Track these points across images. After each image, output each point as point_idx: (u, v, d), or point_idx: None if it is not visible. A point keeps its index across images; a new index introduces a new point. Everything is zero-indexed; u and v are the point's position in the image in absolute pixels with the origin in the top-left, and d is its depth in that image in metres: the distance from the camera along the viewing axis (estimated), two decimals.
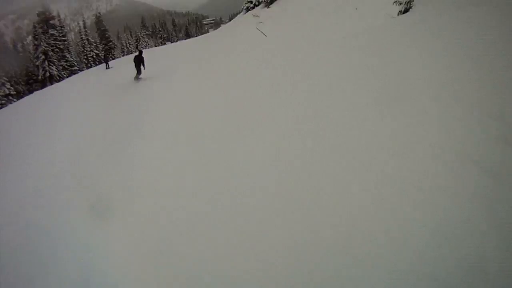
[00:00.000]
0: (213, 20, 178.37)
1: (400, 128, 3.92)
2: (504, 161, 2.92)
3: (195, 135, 6.45)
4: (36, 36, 39.89)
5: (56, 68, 40.03)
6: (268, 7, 25.90)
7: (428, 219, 2.74)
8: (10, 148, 9.82)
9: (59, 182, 6.50)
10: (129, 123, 8.67)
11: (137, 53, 15.23)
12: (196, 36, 62.30)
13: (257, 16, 23.91)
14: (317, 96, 5.71)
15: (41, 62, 38.61)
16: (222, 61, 13.81)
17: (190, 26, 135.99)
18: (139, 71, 14.81)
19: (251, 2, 30.10)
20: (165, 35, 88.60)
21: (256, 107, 6.51)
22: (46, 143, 9.33)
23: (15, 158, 8.81)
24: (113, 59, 41.80)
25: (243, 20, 28.10)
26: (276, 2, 26.34)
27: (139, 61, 14.69)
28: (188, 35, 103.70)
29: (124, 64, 22.40)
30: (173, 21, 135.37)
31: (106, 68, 24.81)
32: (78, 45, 50.56)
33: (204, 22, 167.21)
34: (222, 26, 40.94)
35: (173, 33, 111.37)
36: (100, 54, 48.78)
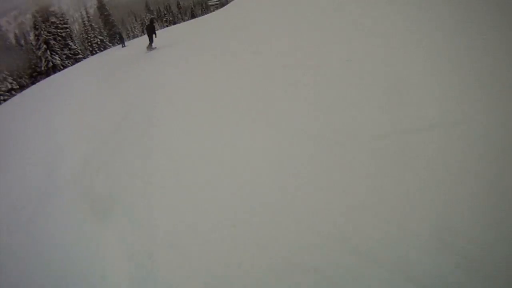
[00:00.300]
0: (219, 1, 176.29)
1: None
2: None
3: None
4: (37, 26, 37.68)
5: (60, 57, 37.93)
6: None
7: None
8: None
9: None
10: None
11: (148, 23, 16.03)
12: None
13: None
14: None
15: (43, 52, 36.45)
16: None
17: (196, 8, 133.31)
18: (151, 40, 15.48)
19: None
20: (170, 18, 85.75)
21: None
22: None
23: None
24: (118, 44, 40.22)
25: None
26: None
27: (151, 30, 15.42)
28: (194, 17, 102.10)
29: (136, 42, 25.49)
30: (178, 4, 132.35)
31: (122, 47, 27.45)
32: (82, 33, 48.34)
33: (210, 3, 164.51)
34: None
35: (179, 15, 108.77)
36: (104, 40, 46.47)
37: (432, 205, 2.81)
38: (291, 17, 11.13)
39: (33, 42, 38.55)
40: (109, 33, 48.97)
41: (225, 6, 35.67)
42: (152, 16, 15.30)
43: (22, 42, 43.59)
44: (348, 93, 5.01)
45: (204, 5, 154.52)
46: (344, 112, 4.54)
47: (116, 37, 36.97)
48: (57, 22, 40.33)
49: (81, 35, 47.91)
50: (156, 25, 15.01)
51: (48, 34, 37.86)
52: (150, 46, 15.54)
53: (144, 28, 15.54)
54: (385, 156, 3.52)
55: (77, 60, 39.15)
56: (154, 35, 15.41)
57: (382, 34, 6.56)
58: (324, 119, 4.57)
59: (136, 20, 69.00)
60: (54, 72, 34.74)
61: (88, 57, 40.30)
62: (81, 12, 48.77)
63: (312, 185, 3.49)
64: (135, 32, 60.85)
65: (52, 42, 37.56)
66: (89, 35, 45.40)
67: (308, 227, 2.98)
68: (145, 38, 18.53)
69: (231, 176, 4.10)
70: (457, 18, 5.84)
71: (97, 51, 43.65)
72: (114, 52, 25.01)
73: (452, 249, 2.40)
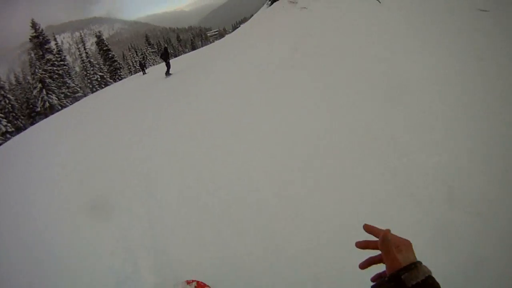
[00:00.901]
0: (217, 31, 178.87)
1: None
2: None
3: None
4: (32, 63, 35.34)
5: (57, 97, 35.24)
6: None
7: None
8: None
9: None
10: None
11: (162, 51, 17.45)
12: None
13: (294, 2, 18.59)
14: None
15: (39, 91, 33.82)
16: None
17: (195, 40, 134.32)
18: (168, 66, 16.79)
19: None
20: (171, 51, 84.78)
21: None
22: None
23: None
24: (120, 79, 40.16)
25: (272, 11, 22.87)
26: None
27: (166, 56, 16.98)
28: (194, 48, 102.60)
29: (156, 70, 25.48)
30: (178, 37, 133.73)
31: (143, 74, 27.53)
32: (81, 70, 45.91)
33: (209, 34, 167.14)
34: (241, 26, 35.89)
35: (179, 48, 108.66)
36: (105, 76, 43.97)
37: None
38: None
39: (30, 81, 36.02)
40: (109, 69, 46.49)
41: (224, 38, 34.33)
42: (165, 45, 19.33)
43: (21, 79, 41.05)
44: None
45: (203, 36, 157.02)
46: None
47: (138, 66, 39.37)
48: (53, 59, 37.93)
49: (81, 72, 45.48)
50: (169, 51, 17.37)
51: (44, 72, 35.33)
52: (168, 72, 16.66)
53: (159, 56, 18.16)
54: None
55: (76, 99, 36.46)
56: (169, 61, 16.80)
57: None
58: None
59: (137, 55, 67.57)
60: (52, 113, 31.97)
61: (88, 95, 37.56)
62: (79, 49, 46.31)
63: None
64: (137, 67, 58.81)
65: (48, 80, 34.93)
66: (88, 71, 42.80)
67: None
68: (161, 66, 21.86)
69: None
70: None
71: (98, 88, 41.00)
72: (138, 78, 26.02)
73: None
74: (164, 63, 17.48)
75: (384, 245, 0.71)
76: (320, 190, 3.67)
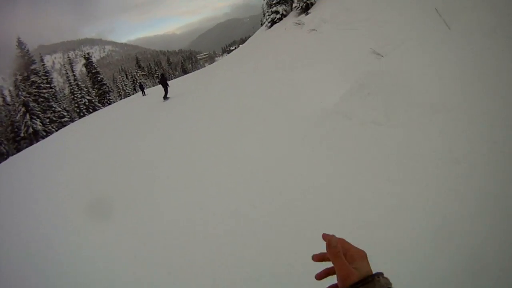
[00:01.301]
0: (207, 54, 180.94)
1: None
2: None
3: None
4: (16, 85, 33.48)
5: (41, 122, 33.21)
6: (306, 14, 19.37)
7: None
8: None
9: None
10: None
11: (160, 77, 19.01)
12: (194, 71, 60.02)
13: (300, 23, 17.31)
14: None
15: (22, 115, 31.77)
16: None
17: (186, 62, 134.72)
18: (166, 91, 18.10)
19: (278, 13, 23.92)
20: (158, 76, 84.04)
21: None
22: None
23: None
24: (109, 103, 40.10)
25: (274, 33, 21.63)
26: (314, 6, 19.96)
27: (164, 82, 18.22)
28: (185, 71, 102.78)
29: (154, 91, 26.37)
30: (168, 60, 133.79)
31: (143, 95, 28.55)
32: (70, 93, 43.96)
33: (199, 57, 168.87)
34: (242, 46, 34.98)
35: (169, 70, 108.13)
36: (93, 100, 42.14)
37: None
38: None
39: (16, 104, 33.99)
40: (98, 92, 44.69)
41: (214, 63, 34.51)
42: (162, 72, 23.21)
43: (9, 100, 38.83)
44: None
45: (193, 59, 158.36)
46: None
47: (138, 87, 39.74)
48: (39, 82, 36.08)
49: (69, 95, 43.53)
50: (166, 77, 18.53)
51: (28, 95, 33.44)
52: (165, 96, 18.03)
53: (158, 82, 19.97)
54: None
55: (63, 124, 34.52)
56: (167, 86, 18.14)
57: None
58: None
59: (127, 78, 66.08)
60: (36, 139, 30.00)
61: (75, 120, 35.70)
62: (66, 71, 44.49)
63: None
64: (127, 91, 57.21)
65: (32, 104, 32.93)
66: (76, 95, 40.84)
67: None
68: (157, 88, 24.99)
69: None
70: None
71: (85, 113, 39.05)
72: (138, 99, 27.02)
73: None
74: (161, 86, 18.73)
75: (330, 252, 0.66)
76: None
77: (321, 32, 14.40)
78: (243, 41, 63.48)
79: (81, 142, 15.82)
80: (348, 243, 0.69)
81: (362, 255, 0.67)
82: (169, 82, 19.22)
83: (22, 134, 32.10)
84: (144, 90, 30.57)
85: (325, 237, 0.68)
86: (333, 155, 4.80)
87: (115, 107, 29.51)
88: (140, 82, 35.00)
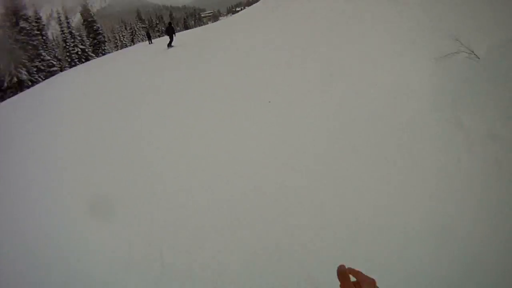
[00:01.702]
0: (211, 13, 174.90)
1: None
2: None
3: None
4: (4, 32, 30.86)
5: (28, 71, 30.74)
6: None
7: None
8: None
9: None
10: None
11: (167, 25, 19.49)
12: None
13: None
14: None
15: (7, 64, 29.24)
16: None
17: (188, 19, 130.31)
18: (171, 40, 18.64)
19: None
20: (163, 28, 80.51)
21: None
22: None
23: None
24: (104, 54, 37.76)
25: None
26: None
27: (170, 31, 18.77)
28: (186, 28, 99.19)
29: (163, 41, 25.43)
30: (171, 14, 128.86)
31: (149, 44, 28.19)
32: (62, 41, 41.15)
33: (203, 15, 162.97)
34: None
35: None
36: (87, 50, 39.49)
37: None
38: None
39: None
40: (92, 42, 41.86)
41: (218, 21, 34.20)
42: (169, 21, 21.82)
43: None
44: None
45: (197, 16, 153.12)
46: None
47: (145, 35, 37.95)
48: (28, 28, 33.28)
49: (61, 43, 40.76)
50: (174, 27, 18.72)
51: (15, 42, 30.79)
52: (170, 44, 18.44)
53: (164, 30, 20.66)
54: None
55: (52, 73, 32.08)
56: (174, 35, 18.53)
57: None
58: None
59: (126, 29, 63.02)
60: (21, 89, 27.71)
61: (66, 70, 33.17)
62: (59, 18, 41.35)
63: None
64: (124, 41, 54.42)
65: (18, 52, 30.29)
66: (68, 43, 38.05)
67: None
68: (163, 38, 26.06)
69: None
70: None
71: (77, 62, 36.49)
72: (144, 47, 26.28)
73: None
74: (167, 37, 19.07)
75: (340, 279, 0.69)
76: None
77: None
78: (249, 3, 59.72)
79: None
80: (357, 271, 0.69)
81: (371, 283, 0.66)
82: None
83: (6, 84, 29.80)
84: (151, 38, 30.13)
85: (340, 268, 0.69)
86: None
87: (123, 53, 28.61)
88: (146, 31, 34.18)
